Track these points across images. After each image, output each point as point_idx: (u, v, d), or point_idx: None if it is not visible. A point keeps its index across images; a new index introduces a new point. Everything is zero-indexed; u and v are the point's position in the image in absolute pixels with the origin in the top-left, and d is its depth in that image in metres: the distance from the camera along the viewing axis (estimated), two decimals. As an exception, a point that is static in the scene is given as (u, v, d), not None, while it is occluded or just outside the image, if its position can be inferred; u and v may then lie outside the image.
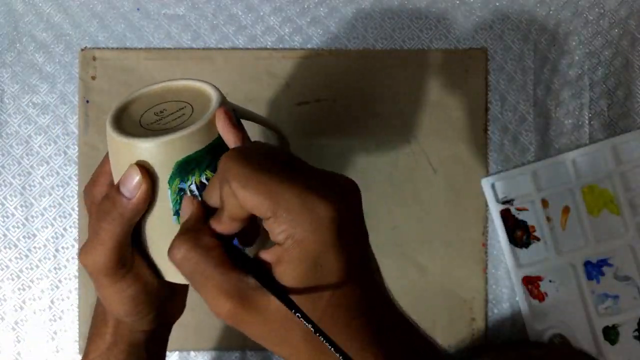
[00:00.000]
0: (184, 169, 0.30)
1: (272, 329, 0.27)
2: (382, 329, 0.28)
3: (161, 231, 0.32)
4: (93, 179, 0.35)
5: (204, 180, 0.31)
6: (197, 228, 0.29)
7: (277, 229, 0.26)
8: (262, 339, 0.28)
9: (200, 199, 0.31)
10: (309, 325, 0.26)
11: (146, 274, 0.34)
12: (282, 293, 0.26)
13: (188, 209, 0.30)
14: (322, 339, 0.25)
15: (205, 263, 0.28)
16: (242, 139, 0.31)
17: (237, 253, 0.29)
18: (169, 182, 0.31)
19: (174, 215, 0.31)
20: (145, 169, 0.30)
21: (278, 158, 0.28)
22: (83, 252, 0.33)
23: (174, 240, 0.28)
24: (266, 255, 0.28)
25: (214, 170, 0.30)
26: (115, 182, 0.32)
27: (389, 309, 0.29)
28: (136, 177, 0.30)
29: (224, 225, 0.29)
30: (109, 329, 0.36)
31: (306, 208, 0.26)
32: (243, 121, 0.35)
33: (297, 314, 0.26)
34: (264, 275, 0.27)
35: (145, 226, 0.33)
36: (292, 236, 0.26)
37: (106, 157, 0.34)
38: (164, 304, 0.36)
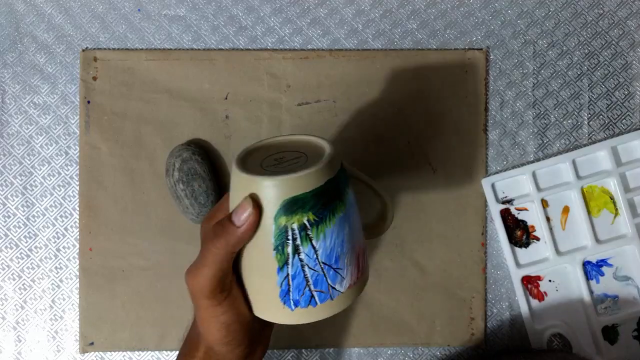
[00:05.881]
0: (289, 207, 0.34)
1: None
2: None
3: (259, 264, 0.36)
4: (211, 214, 0.39)
5: (304, 222, 0.34)
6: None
7: None
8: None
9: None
10: None
11: (241, 305, 0.37)
12: None
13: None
14: None
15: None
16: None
17: None
18: (274, 218, 0.34)
19: (274, 250, 0.34)
20: (256, 202, 0.34)
21: None
22: (189, 273, 0.36)
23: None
24: None
25: (316, 214, 0.34)
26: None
27: None
28: (248, 208, 0.34)
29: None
30: (199, 353, 0.39)
31: None
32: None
33: None
34: None
35: (246, 258, 0.36)
36: None
37: (226, 196, 0.39)
38: (253, 338, 0.39)
